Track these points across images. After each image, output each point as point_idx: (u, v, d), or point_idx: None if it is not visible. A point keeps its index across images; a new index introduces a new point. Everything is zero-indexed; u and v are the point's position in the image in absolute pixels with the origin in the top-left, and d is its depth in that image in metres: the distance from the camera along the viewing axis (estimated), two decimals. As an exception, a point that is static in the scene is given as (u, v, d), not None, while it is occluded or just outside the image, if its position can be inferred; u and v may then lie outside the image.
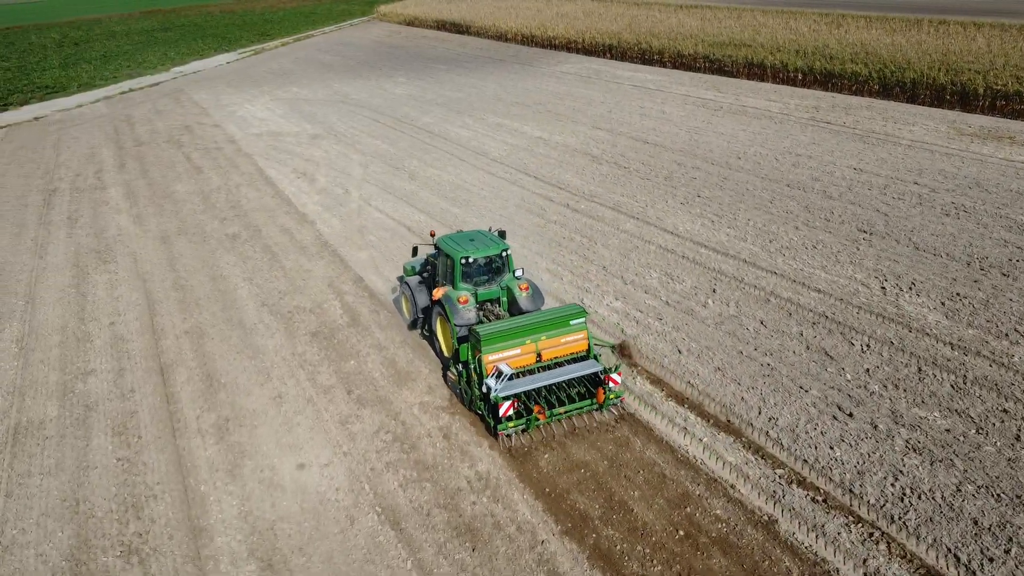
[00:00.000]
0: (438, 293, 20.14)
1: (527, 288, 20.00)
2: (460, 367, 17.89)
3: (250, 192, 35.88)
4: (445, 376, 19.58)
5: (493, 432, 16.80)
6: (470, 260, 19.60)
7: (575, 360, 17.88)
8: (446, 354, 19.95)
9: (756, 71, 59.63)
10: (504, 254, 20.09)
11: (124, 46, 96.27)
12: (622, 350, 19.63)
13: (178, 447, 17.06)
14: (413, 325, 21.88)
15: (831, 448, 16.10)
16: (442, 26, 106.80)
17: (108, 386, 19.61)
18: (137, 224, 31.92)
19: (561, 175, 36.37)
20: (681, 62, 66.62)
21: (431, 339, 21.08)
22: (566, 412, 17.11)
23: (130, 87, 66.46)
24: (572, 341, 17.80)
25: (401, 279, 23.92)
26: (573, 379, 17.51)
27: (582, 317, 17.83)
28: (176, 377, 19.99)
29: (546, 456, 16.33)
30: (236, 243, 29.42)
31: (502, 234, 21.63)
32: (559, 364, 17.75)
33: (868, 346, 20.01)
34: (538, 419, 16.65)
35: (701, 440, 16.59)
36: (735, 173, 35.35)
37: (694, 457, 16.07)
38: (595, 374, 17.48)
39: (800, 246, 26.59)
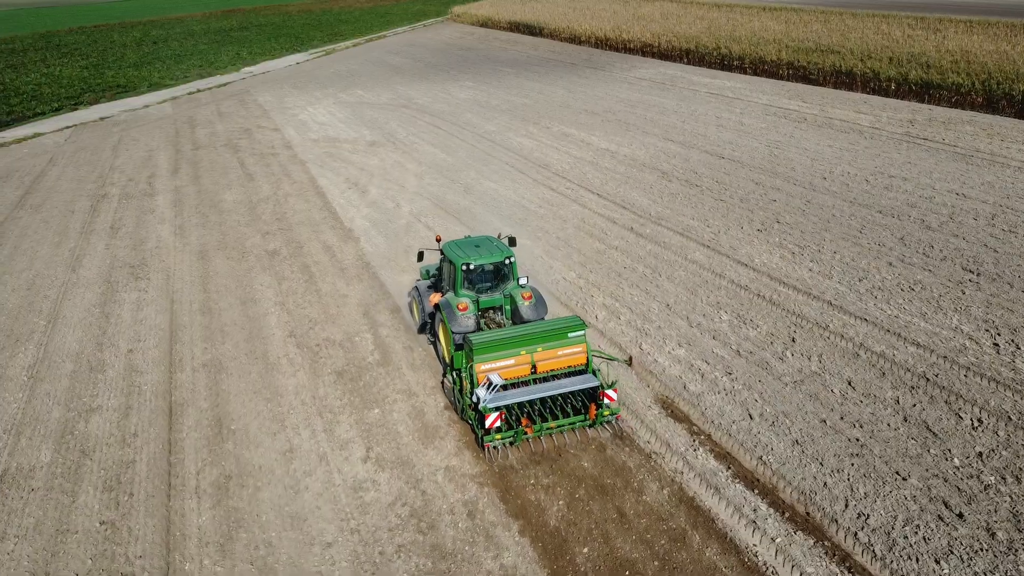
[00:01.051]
0: (435, 299, 20.21)
1: (530, 297, 19.50)
2: (454, 374, 17.67)
3: (298, 203, 34.22)
4: (443, 383, 19.14)
5: (480, 442, 16.33)
6: (471, 266, 19.22)
7: (573, 374, 17.36)
8: (447, 360, 19.36)
9: (844, 80, 55.51)
10: (508, 261, 19.73)
11: (199, 45, 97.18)
12: (630, 364, 19.29)
13: (170, 510, 15.10)
14: (421, 329, 21.55)
15: (937, 562, 13.07)
16: (515, 27, 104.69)
17: (110, 428, 17.87)
18: (178, 236, 30.54)
19: (627, 193, 33.60)
20: (763, 68, 62.84)
21: (436, 344, 20.50)
22: (557, 427, 16.61)
23: (198, 87, 66.28)
24: (570, 354, 17.36)
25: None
26: (568, 393, 17.04)
27: (581, 330, 17.34)
28: (184, 420, 18.13)
29: (585, 550, 13.76)
30: (274, 261, 27.66)
31: (512, 241, 21.22)
32: (556, 377, 17.27)
33: (980, 421, 16.78)
34: (525, 432, 16.27)
35: (774, 540, 13.74)
36: (819, 195, 31.98)
37: (764, 564, 13.25)
38: (592, 389, 16.83)
39: (895, 287, 23.27)
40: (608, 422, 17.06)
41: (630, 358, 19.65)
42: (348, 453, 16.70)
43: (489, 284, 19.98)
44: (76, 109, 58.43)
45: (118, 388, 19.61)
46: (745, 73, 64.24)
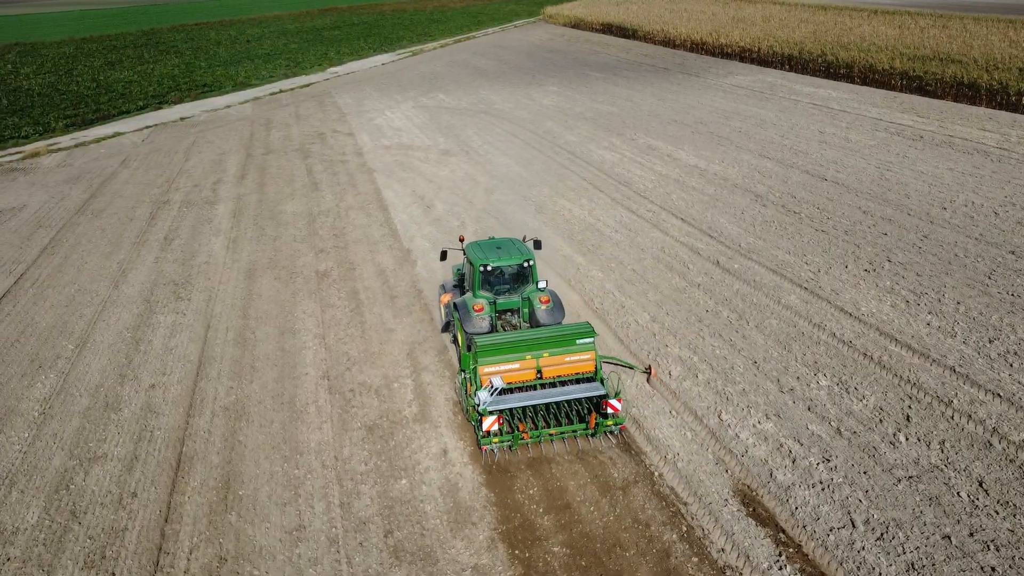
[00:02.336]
0: (444, 299, 20.95)
1: (548, 301, 19.17)
2: (462, 375, 17.63)
3: (359, 218, 32.21)
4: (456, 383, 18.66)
5: (479, 444, 16.26)
6: (489, 268, 19.19)
7: (581, 381, 17.01)
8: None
9: (966, 92, 50.19)
10: (527, 264, 19.51)
11: (290, 44, 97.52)
12: (649, 375, 18.80)
13: (150, 601, 12.97)
14: (445, 328, 21.39)
15: None
16: (607, 29, 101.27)
17: (109, 483, 15.95)
18: (230, 251, 28.92)
19: (715, 219, 30.23)
20: (873, 78, 57.81)
21: (456, 343, 19.95)
22: (558, 434, 16.45)
23: (280, 88, 65.70)
24: (577, 361, 17.00)
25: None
26: (572, 401, 16.81)
27: (590, 337, 16.95)
28: (190, 478, 16.06)
29: None
30: (323, 284, 25.62)
31: (537, 244, 21.47)
32: (563, 383, 17.00)
33: None
34: (522, 437, 16.13)
35: None
36: (939, 229, 27.90)
37: None
38: (598, 398, 16.55)
39: (1036, 353, 19.38)
40: (611, 432, 16.76)
41: (648, 368, 18.95)
42: (364, 537, 14.24)
43: (507, 286, 19.84)
44: (160, 108, 58.47)
45: (129, 433, 17.74)
46: (853, 82, 59.32)
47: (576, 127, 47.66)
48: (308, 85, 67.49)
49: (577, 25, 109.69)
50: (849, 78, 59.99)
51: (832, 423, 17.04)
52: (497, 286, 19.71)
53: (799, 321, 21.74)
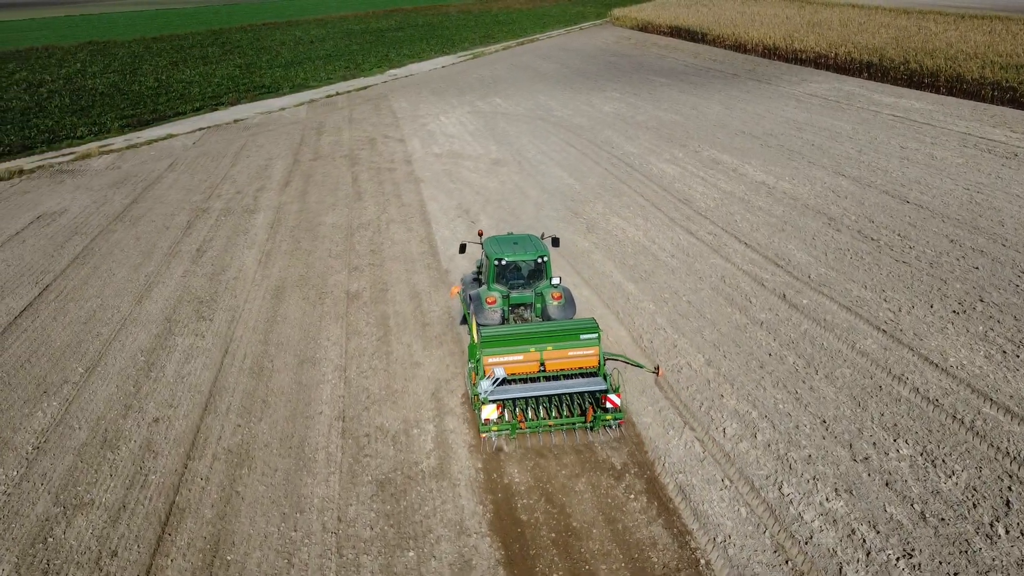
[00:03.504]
0: (454, 291, 22.02)
1: (560, 297, 19.70)
2: (470, 365, 17.98)
3: (399, 232, 30.53)
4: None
5: (479, 431, 16.70)
6: (503, 262, 19.76)
7: (585, 376, 17.35)
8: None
9: (1068, 105, 46.03)
10: (541, 260, 19.98)
11: (352, 46, 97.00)
12: (658, 374, 19.13)
13: None
14: (463, 321, 21.43)
15: None
16: (675, 32, 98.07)
17: (89, 538, 14.42)
18: (261, 265, 27.53)
19: (782, 245, 27.58)
20: (961, 88, 53.82)
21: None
22: (555, 425, 16.86)
23: (337, 90, 64.77)
24: (580, 356, 17.37)
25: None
26: (575, 394, 17.11)
27: (594, 333, 17.30)
28: (178, 536, 14.43)
29: None
30: (352, 307, 23.94)
31: (555, 242, 22.20)
32: (569, 377, 17.32)
33: None
34: (519, 427, 16.61)
35: None
36: (1040, 265, 24.79)
37: None
38: (599, 392, 16.80)
39: None
40: (609, 426, 16.99)
41: (657, 367, 19.24)
42: (357, 625, 12.35)
43: (522, 281, 20.24)
44: (216, 109, 58.06)
45: (122, 475, 16.24)
46: (939, 92, 55.37)
47: (636, 137, 45.22)
48: (365, 88, 66.44)
49: (645, 28, 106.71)
50: (934, 88, 56.04)
51: (915, 505, 14.47)
52: (511, 280, 20.20)
53: (876, 372, 19.09)
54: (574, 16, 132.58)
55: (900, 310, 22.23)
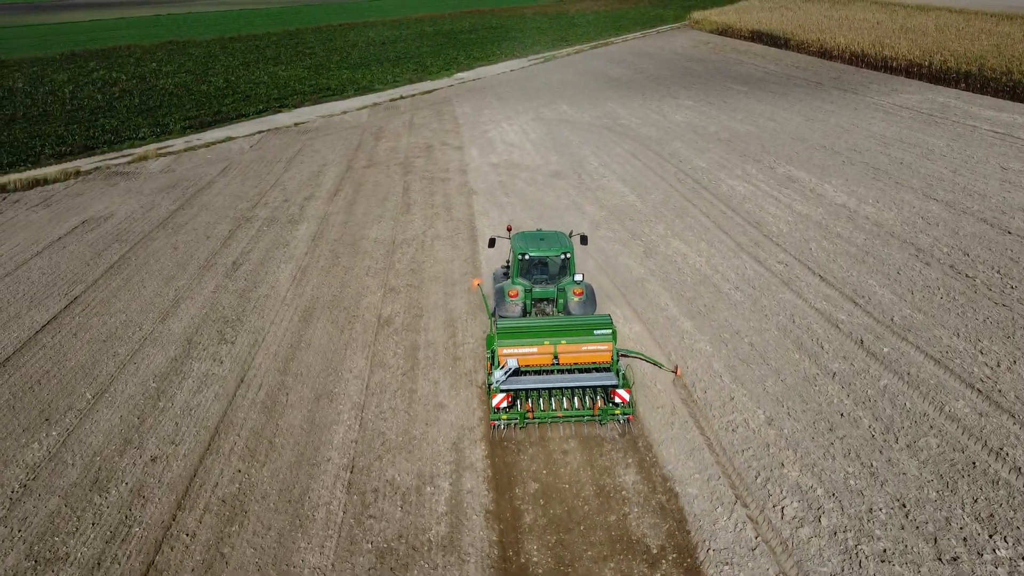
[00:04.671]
0: (475, 282, 22.93)
1: (580, 293, 20.16)
2: (488, 353, 18.30)
3: (443, 250, 28.75)
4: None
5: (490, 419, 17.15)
6: (527, 257, 20.44)
7: (598, 371, 17.63)
8: None
9: None
10: (564, 256, 20.60)
11: (422, 48, 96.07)
12: (677, 374, 19.16)
13: None
14: (493, 313, 21.29)
15: None
16: (756, 37, 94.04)
17: (53, 603, 12.97)
18: (295, 282, 26.12)
19: (862, 279, 24.70)
20: (1072, 102, 49.07)
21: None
22: (563, 417, 17.23)
23: (401, 94, 63.58)
24: (594, 351, 17.68)
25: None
26: (587, 388, 17.55)
27: (608, 329, 17.63)
28: (148, 607, 12.84)
29: None
30: (381, 335, 22.22)
31: (584, 239, 22.82)
32: (584, 371, 17.71)
33: None
34: (527, 417, 16.99)
35: None
36: None
37: None
38: (609, 387, 17.24)
39: None
40: (617, 420, 17.29)
41: (676, 367, 19.34)
42: None
43: (545, 276, 20.93)
44: (279, 112, 57.54)
45: (105, 525, 14.81)
46: (1045, 106, 50.71)
47: (707, 150, 42.44)
48: (431, 91, 65.12)
49: (725, 32, 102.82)
50: (1040, 101, 51.40)
51: (1017, 630, 11.81)
52: (535, 275, 20.87)
53: (969, 443, 16.29)
54: (652, 19, 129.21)
55: (999, 365, 19.25)
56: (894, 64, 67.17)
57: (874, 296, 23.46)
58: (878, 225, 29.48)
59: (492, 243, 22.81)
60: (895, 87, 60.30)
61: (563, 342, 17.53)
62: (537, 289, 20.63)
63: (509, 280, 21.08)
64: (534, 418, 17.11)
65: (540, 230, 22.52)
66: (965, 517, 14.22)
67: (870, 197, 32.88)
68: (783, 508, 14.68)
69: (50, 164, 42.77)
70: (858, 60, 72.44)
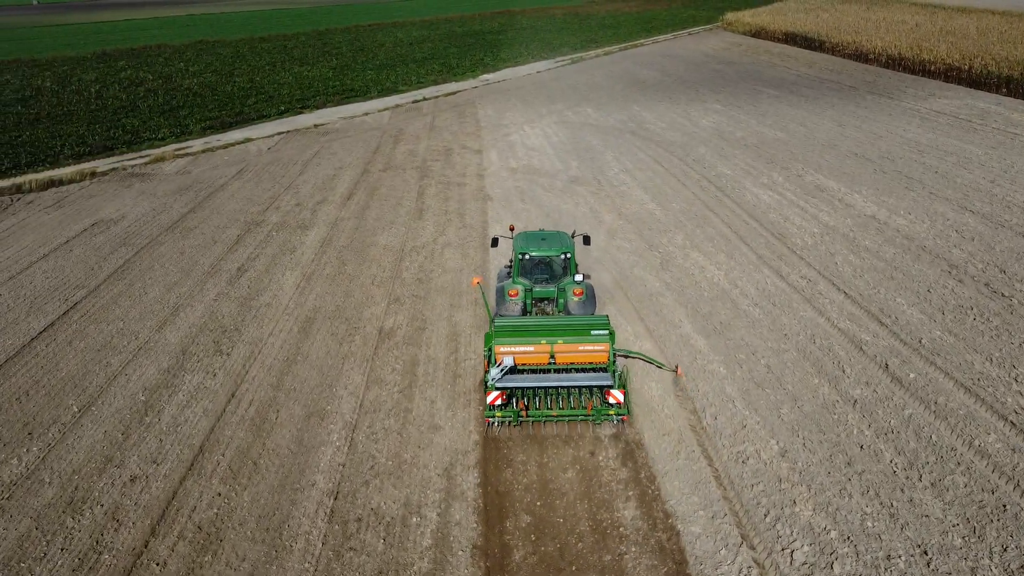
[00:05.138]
0: (475, 280, 22.86)
1: (580, 293, 20.17)
2: (485, 351, 18.08)
3: (453, 259, 27.89)
4: None
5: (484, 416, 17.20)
6: (527, 256, 20.61)
7: (595, 370, 17.56)
8: None
9: None
10: (565, 257, 20.74)
11: (449, 49, 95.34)
12: (678, 374, 18.98)
13: None
14: (494, 315, 21.25)
15: None
16: (790, 39, 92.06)
17: (9, 638, 12.29)
18: (298, 291, 25.41)
19: (890, 297, 23.38)
20: (1119, 108, 46.89)
21: None
22: (557, 416, 17.16)
23: (424, 95, 62.88)
24: (590, 351, 17.63)
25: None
26: (583, 388, 17.44)
27: (605, 330, 17.61)
28: (107, 645, 12.09)
29: None
30: (381, 349, 21.39)
31: (587, 240, 22.69)
32: (581, 370, 17.66)
33: None
34: (520, 415, 16.99)
35: None
36: None
37: None
38: (603, 387, 17.17)
39: None
40: (610, 420, 17.20)
41: (676, 367, 19.22)
42: None
43: (545, 276, 21.02)
44: (301, 112, 57.15)
45: (75, 551, 14.13)
46: (1091, 113, 48.57)
47: (733, 156, 41.11)
48: (454, 93, 64.33)
49: (758, 34, 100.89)
50: (1086, 107, 49.26)
51: None
52: (536, 275, 20.96)
53: (1000, 483, 15.03)
54: (684, 20, 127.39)
55: (1036, 395, 17.90)
56: (932, 68, 65.08)
57: (902, 315, 22.14)
58: (909, 238, 28.06)
59: (495, 243, 23.16)
60: (932, 92, 58.33)
61: (560, 342, 17.57)
62: (537, 288, 20.77)
63: (509, 279, 21.28)
64: (528, 416, 17.05)
65: (542, 230, 22.78)
66: (993, 568, 13.00)
67: (902, 208, 31.41)
68: (792, 552, 13.55)
69: (68, 164, 42.64)
70: (895, 63, 70.38)
